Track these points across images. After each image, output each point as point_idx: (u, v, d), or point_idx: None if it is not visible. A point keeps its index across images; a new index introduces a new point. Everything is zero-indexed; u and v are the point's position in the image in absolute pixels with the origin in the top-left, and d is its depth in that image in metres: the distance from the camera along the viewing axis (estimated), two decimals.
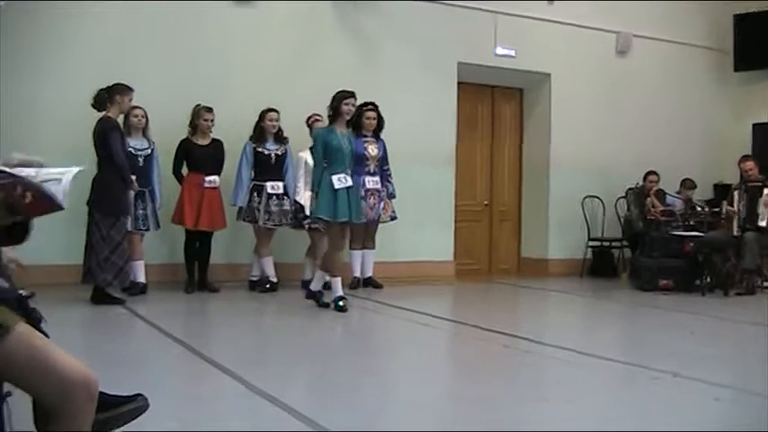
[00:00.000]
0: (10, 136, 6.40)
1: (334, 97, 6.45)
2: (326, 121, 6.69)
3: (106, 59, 7.33)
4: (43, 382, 1.82)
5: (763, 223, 8.27)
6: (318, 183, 6.38)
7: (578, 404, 3.60)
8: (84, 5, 7.34)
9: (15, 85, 7.00)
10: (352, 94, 6.46)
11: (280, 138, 7.55)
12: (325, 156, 6.37)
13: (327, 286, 6.65)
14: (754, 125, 10.80)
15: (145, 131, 7.09)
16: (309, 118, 7.62)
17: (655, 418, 3.37)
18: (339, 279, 6.46)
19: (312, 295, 6.54)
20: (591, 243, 9.94)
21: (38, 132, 7.09)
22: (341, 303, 6.32)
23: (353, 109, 6.53)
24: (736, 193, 8.60)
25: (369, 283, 7.91)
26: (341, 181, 6.34)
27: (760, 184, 8.42)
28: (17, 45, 7.08)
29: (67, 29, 7.38)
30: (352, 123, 7.35)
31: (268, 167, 7.47)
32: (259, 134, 7.50)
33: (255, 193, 7.42)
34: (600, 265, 9.90)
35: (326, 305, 6.40)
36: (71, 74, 7.28)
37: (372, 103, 7.75)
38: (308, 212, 7.39)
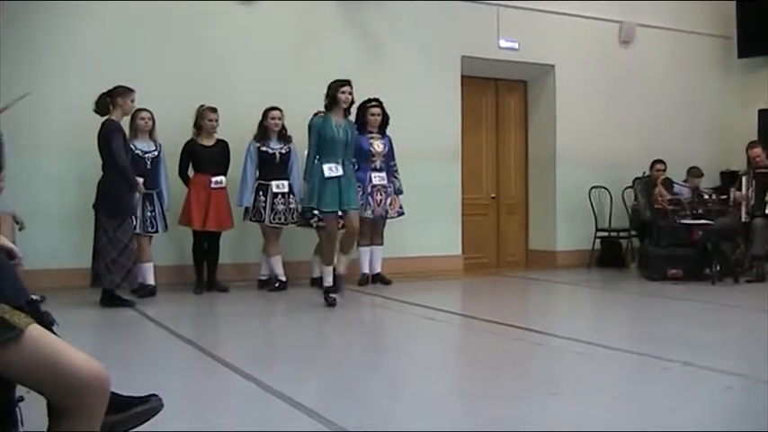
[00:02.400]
0: (12, 137, 6.41)
1: (329, 86, 6.45)
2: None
3: (107, 60, 7.34)
4: (56, 381, 1.83)
5: None
6: (310, 172, 6.43)
7: (590, 395, 3.59)
8: (84, 5, 7.36)
9: (16, 85, 6.96)
10: (347, 82, 6.45)
11: (283, 136, 7.55)
12: (319, 145, 6.38)
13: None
14: (760, 111, 10.75)
15: (152, 134, 7.10)
16: (315, 115, 7.61)
17: (667, 407, 3.36)
18: (330, 269, 6.43)
19: (329, 291, 6.44)
20: (599, 234, 9.92)
21: (40, 133, 7.12)
22: (331, 296, 6.29)
23: (350, 97, 6.49)
24: (744, 179, 8.55)
25: (377, 279, 7.91)
26: (331, 170, 6.33)
27: None
28: (18, 45, 7.09)
29: (67, 29, 7.39)
30: (357, 121, 7.39)
31: (272, 166, 7.47)
32: (262, 133, 7.50)
33: (261, 193, 7.42)
34: (608, 256, 9.88)
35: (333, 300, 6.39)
36: (72, 75, 7.30)
37: (377, 100, 7.76)
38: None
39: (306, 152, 7.51)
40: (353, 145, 6.70)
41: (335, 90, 6.40)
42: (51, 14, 7.24)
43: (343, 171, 6.40)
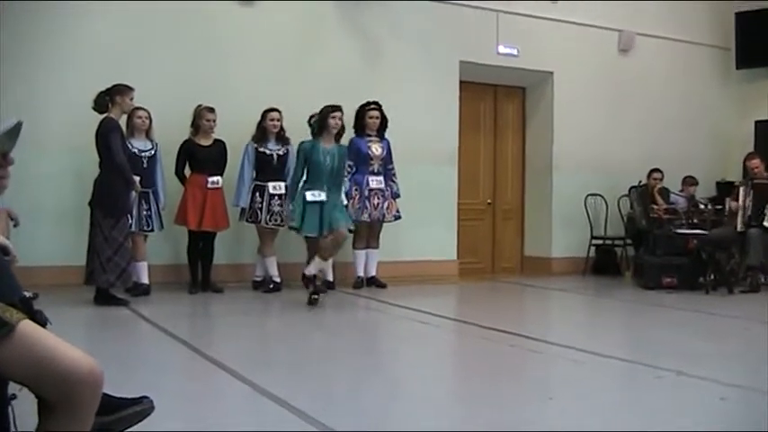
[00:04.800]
0: None
1: (320, 111, 6.61)
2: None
3: (106, 59, 7.32)
4: (50, 376, 1.82)
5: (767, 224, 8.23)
6: (293, 195, 6.68)
7: (583, 403, 3.59)
8: (84, 5, 7.34)
9: (16, 83, 6.97)
10: (338, 108, 6.61)
11: (281, 138, 7.54)
12: (305, 169, 6.57)
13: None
14: (757, 122, 10.79)
15: (148, 132, 7.09)
16: (312, 117, 7.60)
17: (660, 417, 3.36)
18: (323, 263, 6.55)
19: (309, 281, 6.52)
20: (594, 241, 9.93)
21: (38, 130, 7.07)
22: (314, 297, 6.41)
23: (340, 123, 6.63)
24: (741, 189, 8.55)
25: (372, 282, 7.91)
26: (314, 196, 6.52)
27: (767, 182, 8.38)
28: (18, 44, 7.07)
29: (67, 28, 7.37)
30: (356, 124, 7.42)
31: (270, 168, 7.46)
32: (261, 134, 7.49)
33: (257, 194, 7.41)
34: (603, 264, 9.88)
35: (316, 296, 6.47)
36: (71, 73, 7.28)
37: (376, 103, 7.76)
38: None
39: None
40: (342, 172, 6.86)
41: (326, 115, 6.54)
42: (51, 14, 7.22)
43: (327, 197, 6.53)
